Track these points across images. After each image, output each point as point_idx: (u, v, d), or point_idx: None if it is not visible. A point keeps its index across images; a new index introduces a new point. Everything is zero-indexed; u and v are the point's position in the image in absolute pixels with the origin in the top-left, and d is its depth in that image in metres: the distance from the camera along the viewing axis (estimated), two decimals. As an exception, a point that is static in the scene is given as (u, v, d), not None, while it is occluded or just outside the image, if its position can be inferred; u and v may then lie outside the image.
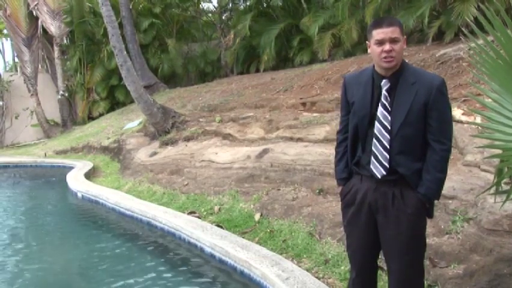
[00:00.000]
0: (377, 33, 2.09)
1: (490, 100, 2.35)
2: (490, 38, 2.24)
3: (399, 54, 2.10)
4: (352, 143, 2.28)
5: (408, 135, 2.10)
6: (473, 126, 4.26)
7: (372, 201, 2.18)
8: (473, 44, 2.34)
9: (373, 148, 2.15)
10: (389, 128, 2.11)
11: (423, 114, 2.09)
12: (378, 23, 2.12)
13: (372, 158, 2.15)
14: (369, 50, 2.18)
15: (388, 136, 2.12)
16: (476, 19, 2.42)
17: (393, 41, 2.06)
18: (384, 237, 2.19)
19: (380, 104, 2.14)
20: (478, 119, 4.24)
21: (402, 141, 2.11)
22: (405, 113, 2.09)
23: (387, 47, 2.06)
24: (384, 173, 2.12)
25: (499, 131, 2.21)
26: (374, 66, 2.21)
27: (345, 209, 2.33)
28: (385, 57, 2.08)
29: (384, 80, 2.15)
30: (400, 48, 2.09)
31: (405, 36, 2.16)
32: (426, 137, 2.12)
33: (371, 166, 2.16)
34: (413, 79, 2.12)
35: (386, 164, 2.12)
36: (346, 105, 2.33)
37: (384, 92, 2.15)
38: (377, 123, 2.14)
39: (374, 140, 2.14)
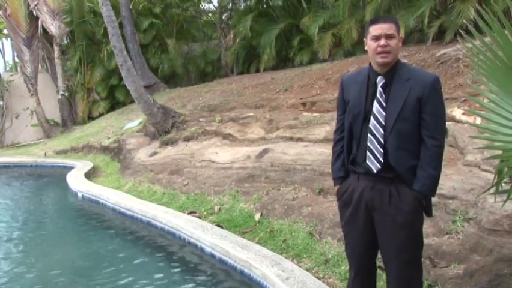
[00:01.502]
0: (374, 29, 2.15)
1: (488, 101, 2.35)
2: (488, 40, 2.24)
3: (395, 51, 2.15)
4: (348, 141, 2.32)
5: (403, 130, 2.13)
6: (474, 127, 4.26)
7: (369, 199, 2.19)
8: (470, 45, 2.34)
9: (368, 143, 2.18)
10: (384, 123, 2.14)
11: (418, 111, 2.12)
12: (375, 20, 2.20)
13: (368, 153, 2.18)
14: (366, 47, 2.24)
15: (383, 131, 2.15)
16: (475, 20, 2.42)
17: (388, 36, 2.12)
18: (382, 236, 2.20)
19: (375, 100, 2.18)
20: (478, 120, 4.25)
21: (398, 136, 2.13)
22: (400, 108, 2.12)
23: (382, 42, 2.12)
24: (380, 167, 2.14)
25: (498, 132, 2.21)
26: (370, 64, 2.26)
27: (342, 208, 2.34)
28: (380, 52, 2.13)
29: (379, 77, 2.19)
30: (395, 44, 2.14)
31: (401, 36, 2.21)
32: (421, 133, 2.14)
33: (367, 161, 2.18)
34: (407, 76, 2.16)
35: (382, 159, 2.14)
36: (342, 105, 2.37)
37: (379, 88, 2.19)
38: (372, 119, 2.17)
39: (369, 135, 2.18)
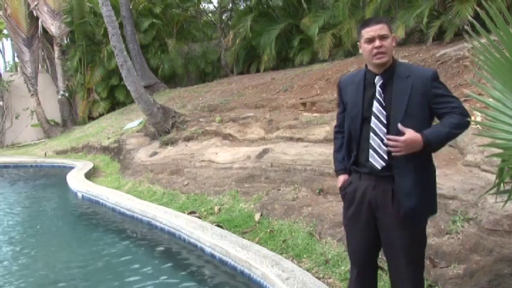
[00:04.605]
0: (366, 32, 2.17)
1: (491, 99, 2.34)
2: (492, 37, 2.23)
3: (390, 50, 2.17)
4: (348, 143, 2.33)
5: (409, 127, 2.10)
6: (474, 126, 4.26)
7: (372, 199, 2.19)
8: (475, 43, 2.33)
9: (371, 142, 2.18)
10: (385, 122, 2.15)
11: (424, 106, 2.12)
12: (366, 23, 2.22)
13: (372, 151, 2.18)
14: (360, 50, 2.26)
15: (385, 130, 2.14)
16: (477, 18, 2.41)
17: (382, 37, 2.14)
18: (385, 235, 2.20)
19: (375, 100, 2.19)
20: (478, 119, 4.24)
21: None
22: (405, 105, 2.12)
23: (377, 43, 2.13)
24: (384, 164, 2.14)
25: (501, 130, 2.20)
26: (366, 65, 2.28)
27: (345, 207, 2.35)
28: (376, 54, 2.14)
29: (377, 77, 2.21)
30: (389, 44, 2.16)
31: (393, 34, 2.23)
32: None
33: (370, 159, 2.18)
34: (407, 73, 2.18)
35: (385, 156, 2.14)
36: (342, 104, 2.41)
37: (378, 88, 2.19)
38: (373, 119, 2.17)
39: (372, 134, 2.17)
